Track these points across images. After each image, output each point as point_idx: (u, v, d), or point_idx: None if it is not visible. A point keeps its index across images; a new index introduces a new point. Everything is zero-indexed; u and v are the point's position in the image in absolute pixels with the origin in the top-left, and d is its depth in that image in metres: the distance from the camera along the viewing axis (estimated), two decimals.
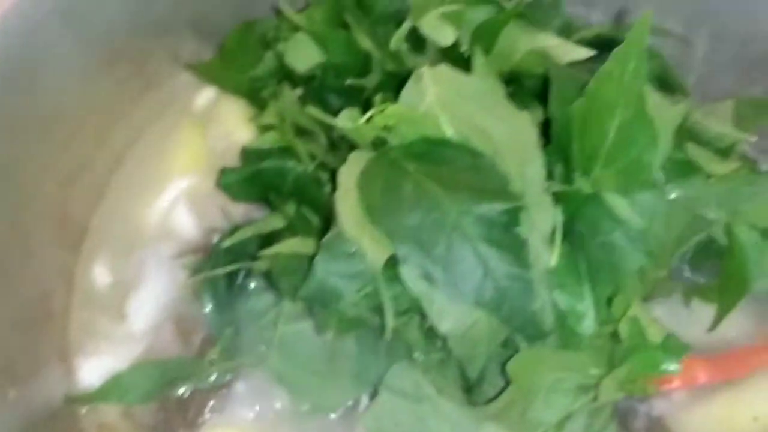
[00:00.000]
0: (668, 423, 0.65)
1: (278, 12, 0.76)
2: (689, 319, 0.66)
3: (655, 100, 0.57)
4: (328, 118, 0.60)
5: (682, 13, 0.74)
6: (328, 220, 0.60)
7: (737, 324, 0.67)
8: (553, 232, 0.56)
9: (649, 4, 0.74)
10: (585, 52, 0.61)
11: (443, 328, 0.54)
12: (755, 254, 0.62)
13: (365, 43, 0.69)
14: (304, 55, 0.70)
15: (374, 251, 0.54)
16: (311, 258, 0.56)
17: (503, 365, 0.57)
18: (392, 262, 0.54)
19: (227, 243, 0.65)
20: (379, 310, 0.57)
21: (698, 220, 0.62)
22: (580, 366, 0.57)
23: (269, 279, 0.62)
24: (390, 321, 0.56)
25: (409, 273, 0.53)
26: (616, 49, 0.53)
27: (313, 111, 0.62)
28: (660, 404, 0.65)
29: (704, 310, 0.65)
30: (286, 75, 0.73)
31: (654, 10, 0.74)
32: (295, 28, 0.72)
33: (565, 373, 0.56)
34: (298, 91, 0.69)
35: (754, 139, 0.65)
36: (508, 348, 0.57)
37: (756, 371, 0.65)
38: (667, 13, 0.74)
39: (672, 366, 0.56)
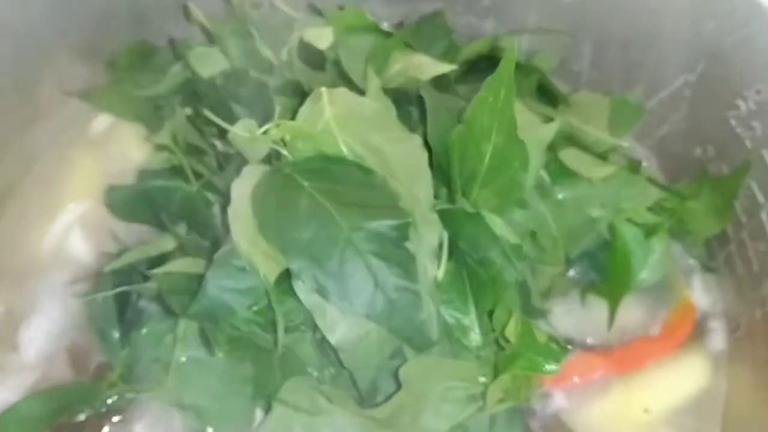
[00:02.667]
0: (565, 419, 0.66)
1: (170, 41, 0.77)
2: (587, 315, 0.68)
3: (527, 120, 0.60)
4: (225, 125, 0.61)
5: (568, 21, 0.77)
6: (216, 240, 0.61)
7: (633, 316, 0.70)
8: (440, 248, 0.58)
9: (536, 15, 0.79)
10: (446, 67, 0.64)
11: (334, 340, 0.55)
12: (638, 249, 0.65)
13: (265, 51, 0.70)
14: (209, 62, 0.71)
15: (267, 266, 0.54)
16: (202, 277, 0.56)
17: (395, 376, 0.57)
18: (284, 277, 0.54)
19: (113, 266, 0.64)
20: (271, 326, 0.57)
21: (586, 220, 0.65)
22: (469, 374, 0.58)
23: (160, 299, 0.62)
24: (281, 335, 0.56)
25: (302, 287, 0.54)
26: (488, 79, 0.55)
27: (211, 115, 0.62)
28: (556, 401, 0.66)
29: (601, 306, 0.68)
30: (189, 92, 0.74)
31: (542, 20, 0.79)
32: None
33: (455, 381, 0.57)
34: (188, 110, 0.69)
35: (626, 144, 0.68)
36: (398, 359, 0.58)
37: (648, 363, 0.67)
38: (554, 22, 0.77)
39: (553, 367, 0.57)
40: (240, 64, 0.69)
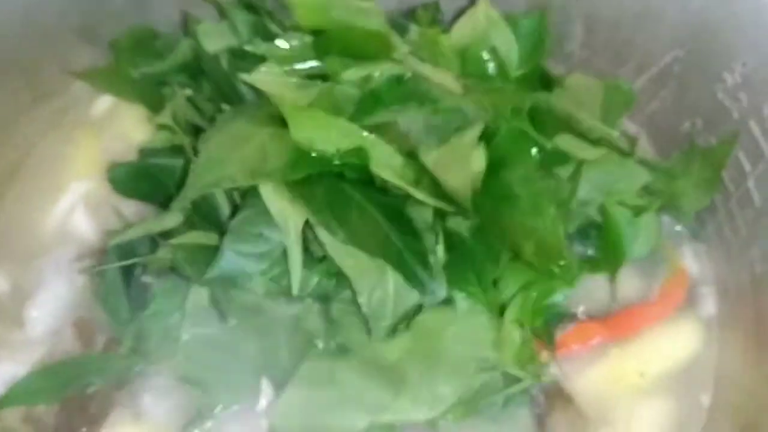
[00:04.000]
0: (563, 385, 0.67)
1: (183, 13, 0.78)
2: (584, 287, 0.68)
3: None
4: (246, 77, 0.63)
5: (559, 3, 0.78)
6: (216, 216, 0.62)
7: (629, 286, 0.71)
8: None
9: None
10: None
11: (352, 278, 0.57)
12: (628, 229, 0.67)
13: (274, 28, 0.71)
14: (216, 37, 0.72)
15: (293, 215, 0.56)
16: (215, 249, 0.58)
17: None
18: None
19: (117, 240, 0.65)
20: (284, 293, 0.59)
21: (579, 201, 0.66)
22: (480, 330, 0.59)
23: (165, 273, 0.63)
24: (297, 280, 0.57)
25: (323, 233, 0.57)
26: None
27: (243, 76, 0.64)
28: (555, 369, 0.67)
29: (597, 278, 0.69)
30: (192, 71, 0.74)
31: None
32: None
33: (466, 346, 0.58)
34: (188, 91, 0.70)
35: (617, 133, 0.69)
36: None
37: (643, 329, 0.69)
38: (545, 3, 0.79)
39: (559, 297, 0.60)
40: (248, 39, 0.70)
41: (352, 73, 0.61)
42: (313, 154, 0.57)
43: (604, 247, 0.67)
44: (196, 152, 0.67)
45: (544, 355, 0.65)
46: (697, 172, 0.72)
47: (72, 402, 0.65)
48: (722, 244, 0.72)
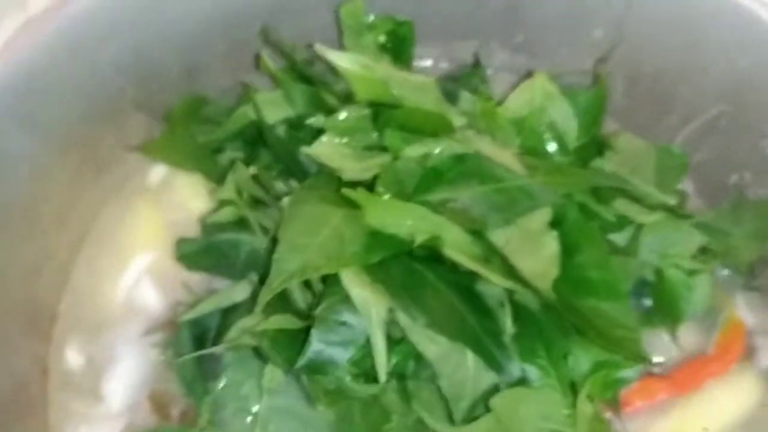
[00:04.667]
0: None
1: (242, 84, 0.80)
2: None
3: None
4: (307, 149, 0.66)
5: (599, 54, 0.80)
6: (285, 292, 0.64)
7: (687, 340, 0.72)
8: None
9: (567, 49, 0.82)
10: None
11: (434, 361, 0.58)
12: (684, 291, 0.69)
13: (330, 99, 0.73)
14: (274, 107, 0.73)
15: (376, 302, 0.58)
16: (297, 332, 0.60)
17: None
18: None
19: (190, 316, 0.67)
20: (366, 376, 0.61)
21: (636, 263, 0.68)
22: (555, 406, 0.60)
23: (258, 353, 0.64)
24: (383, 368, 0.58)
25: (403, 318, 0.58)
26: None
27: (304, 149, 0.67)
28: (618, 423, 0.68)
29: (650, 334, 0.70)
30: (248, 138, 0.76)
31: (573, 54, 0.82)
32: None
33: (543, 422, 0.60)
34: (252, 169, 0.72)
35: (673, 201, 0.71)
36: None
37: (706, 382, 0.71)
38: (586, 55, 0.80)
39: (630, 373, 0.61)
40: (304, 111, 0.72)
41: (413, 150, 0.63)
42: (389, 236, 0.59)
43: (661, 307, 0.68)
44: (261, 227, 0.70)
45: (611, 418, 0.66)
46: (748, 223, 0.73)
47: None
48: None
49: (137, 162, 0.81)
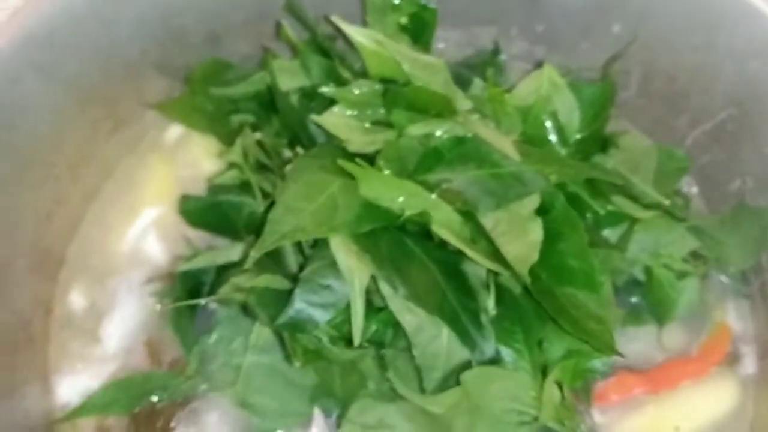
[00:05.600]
0: None
1: (263, 48, 0.81)
2: (625, 337, 0.71)
3: None
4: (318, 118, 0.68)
5: (617, 49, 0.80)
6: (278, 255, 0.66)
7: (672, 340, 0.74)
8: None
9: (586, 42, 0.83)
10: None
11: (411, 332, 0.60)
12: (672, 292, 0.70)
13: (345, 73, 0.75)
14: (290, 75, 0.75)
15: (359, 270, 0.60)
16: (284, 293, 0.62)
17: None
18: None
19: (185, 267, 0.70)
20: (344, 339, 0.63)
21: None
22: (523, 388, 0.62)
23: (245, 309, 0.67)
24: (359, 331, 0.61)
25: (385, 288, 0.60)
26: None
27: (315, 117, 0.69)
28: (595, 418, 0.70)
29: (637, 330, 0.72)
30: (263, 103, 0.78)
31: (592, 47, 0.83)
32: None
33: (511, 402, 0.62)
34: (259, 135, 0.74)
35: (668, 202, 0.71)
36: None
37: (682, 384, 0.72)
38: (604, 49, 0.81)
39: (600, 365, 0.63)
40: (318, 82, 0.73)
41: (417, 129, 0.65)
42: (380, 208, 0.61)
43: (648, 306, 0.70)
44: (263, 191, 0.72)
45: (580, 407, 0.67)
46: (745, 229, 0.73)
47: (140, 416, 0.70)
48: (766, 305, 0.74)
49: (155, 120, 0.83)
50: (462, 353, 0.60)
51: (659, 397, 0.70)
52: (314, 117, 0.70)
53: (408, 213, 0.60)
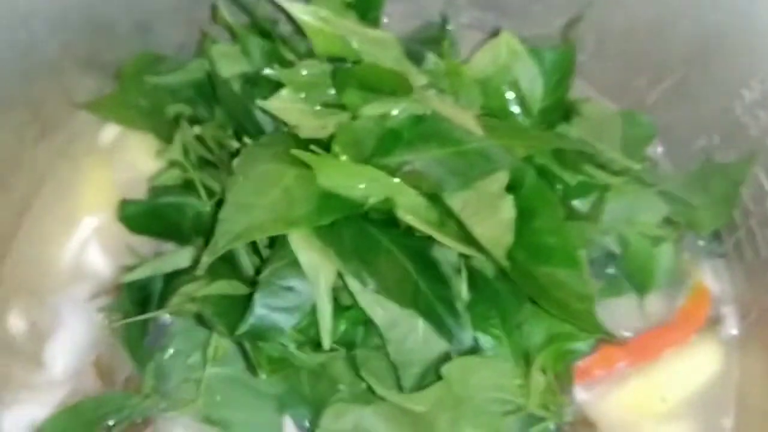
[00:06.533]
0: (587, 411, 0.68)
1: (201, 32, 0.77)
2: (605, 309, 0.67)
3: None
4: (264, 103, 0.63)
5: (570, 12, 0.77)
6: (231, 258, 0.61)
7: (650, 308, 0.71)
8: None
9: (538, 5, 0.80)
10: None
11: (384, 330, 0.57)
12: (649, 260, 0.68)
13: (289, 55, 0.71)
14: (230, 60, 0.71)
15: (324, 268, 0.56)
16: (241, 299, 0.58)
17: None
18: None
19: (129, 278, 0.65)
20: (312, 343, 0.59)
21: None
22: (506, 376, 0.59)
23: (200, 320, 0.62)
24: (328, 333, 0.57)
25: (353, 284, 0.56)
26: None
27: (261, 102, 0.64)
28: (579, 395, 0.68)
29: (616, 301, 0.69)
30: (202, 93, 0.74)
31: (544, 10, 0.79)
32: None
33: (494, 392, 0.59)
34: (198, 129, 0.69)
35: (638, 166, 0.68)
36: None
37: (664, 352, 0.69)
38: (556, 12, 0.77)
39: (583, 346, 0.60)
40: (261, 66, 0.69)
41: (371, 109, 0.60)
42: (341, 197, 0.57)
43: (626, 276, 0.68)
44: (208, 189, 0.67)
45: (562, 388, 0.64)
46: (715, 188, 0.71)
47: None
48: (742, 263, 0.72)
49: (87, 121, 0.78)
50: (439, 345, 0.57)
51: (643, 368, 0.68)
52: (260, 102, 0.65)
53: (371, 201, 0.56)
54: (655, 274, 0.67)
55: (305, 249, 0.56)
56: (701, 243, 0.74)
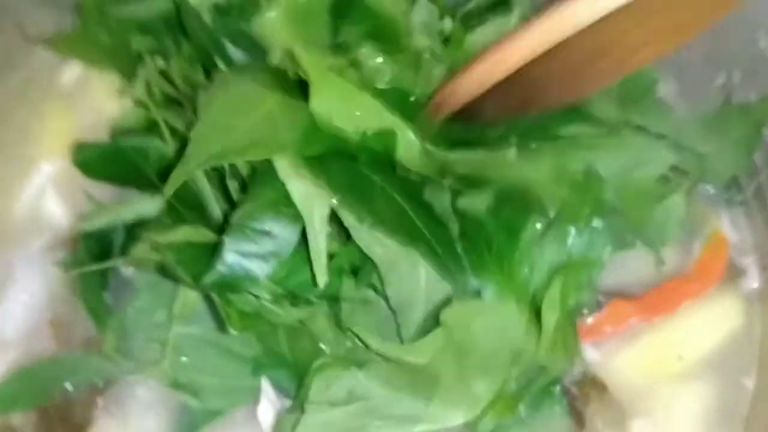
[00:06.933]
0: (597, 371, 0.62)
1: None
2: (614, 262, 0.62)
3: None
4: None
5: None
6: (199, 205, 0.55)
7: (666, 259, 0.64)
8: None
9: None
10: None
11: (384, 271, 0.51)
12: (657, 214, 0.61)
13: None
14: None
15: (317, 197, 0.50)
16: (209, 246, 0.52)
17: None
18: None
19: (88, 227, 0.59)
20: (287, 298, 0.53)
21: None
22: (511, 316, 0.53)
23: (163, 270, 0.56)
24: (323, 271, 0.51)
25: (347, 217, 0.50)
26: None
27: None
28: (588, 354, 0.62)
29: (627, 253, 0.62)
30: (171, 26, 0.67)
31: None
32: None
33: (500, 340, 0.53)
34: (161, 62, 0.63)
35: (638, 121, 0.63)
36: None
37: (681, 306, 0.64)
38: None
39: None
40: None
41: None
42: (328, 132, 0.51)
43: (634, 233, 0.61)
44: (173, 130, 0.61)
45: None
46: (734, 130, 0.65)
47: (52, 410, 0.60)
48: (764, 211, 0.66)
49: (45, 61, 0.72)
50: (442, 289, 0.51)
51: (657, 324, 0.62)
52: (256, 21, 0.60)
53: (365, 130, 0.50)
54: (664, 230, 0.60)
55: (295, 178, 0.49)
56: (712, 191, 0.68)
